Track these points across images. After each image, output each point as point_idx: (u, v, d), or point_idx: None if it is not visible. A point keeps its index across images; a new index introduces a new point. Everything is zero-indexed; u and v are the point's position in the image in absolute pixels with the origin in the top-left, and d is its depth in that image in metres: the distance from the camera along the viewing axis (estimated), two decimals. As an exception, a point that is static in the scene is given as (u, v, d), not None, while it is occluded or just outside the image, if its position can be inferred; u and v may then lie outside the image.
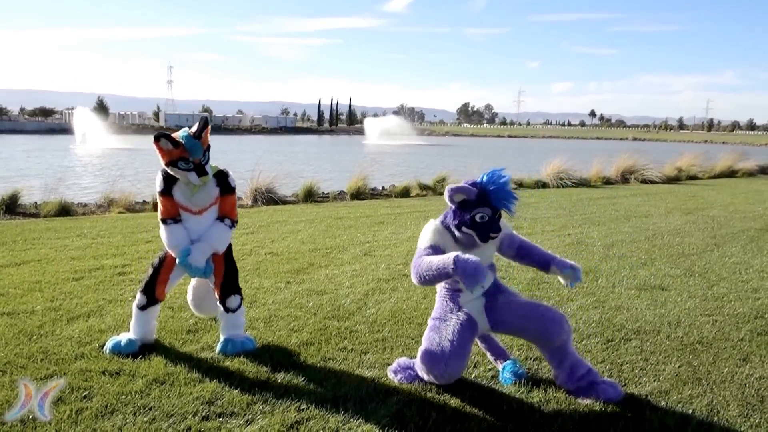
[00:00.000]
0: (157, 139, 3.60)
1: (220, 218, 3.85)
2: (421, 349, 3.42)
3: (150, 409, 3.09)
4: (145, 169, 20.81)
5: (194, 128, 3.73)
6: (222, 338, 3.96)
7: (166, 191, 3.74)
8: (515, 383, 3.47)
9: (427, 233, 3.40)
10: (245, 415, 3.05)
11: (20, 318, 4.48)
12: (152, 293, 3.88)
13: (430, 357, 3.32)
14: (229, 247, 3.97)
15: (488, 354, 3.77)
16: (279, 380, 3.47)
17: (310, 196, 12.71)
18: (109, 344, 3.87)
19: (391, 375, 3.55)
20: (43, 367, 3.57)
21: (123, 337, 3.89)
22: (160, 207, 3.81)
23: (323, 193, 13.51)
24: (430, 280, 3.21)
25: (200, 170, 3.64)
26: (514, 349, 3.96)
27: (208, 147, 3.77)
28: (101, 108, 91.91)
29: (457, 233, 3.33)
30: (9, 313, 4.60)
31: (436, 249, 3.33)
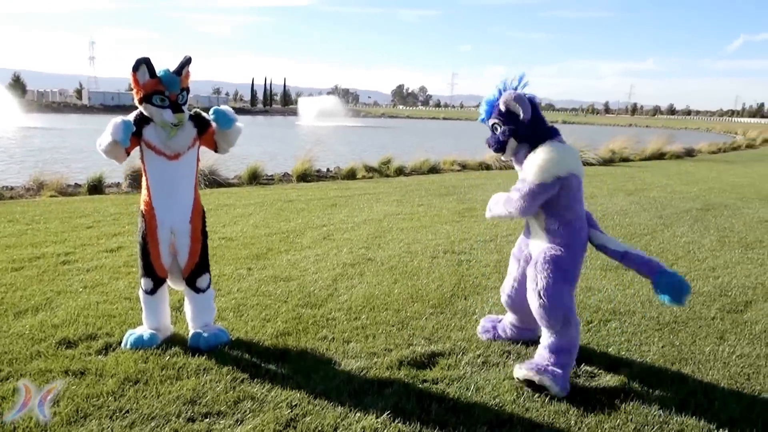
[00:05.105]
0: (135, 68, 3.33)
1: None
2: None
3: (127, 412, 2.81)
4: (67, 149, 19.66)
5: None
6: (192, 330, 3.69)
7: (136, 132, 3.41)
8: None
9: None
10: (234, 414, 2.83)
11: (-42, 314, 4.05)
12: (153, 272, 3.59)
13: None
14: (204, 223, 3.71)
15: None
16: (263, 374, 3.25)
17: (255, 178, 12.31)
18: (129, 339, 3.56)
19: (480, 334, 3.90)
20: (-4, 369, 3.22)
21: (144, 331, 3.61)
22: None
23: (268, 175, 13.12)
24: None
25: (176, 107, 3.37)
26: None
27: (188, 89, 3.51)
28: (17, 84, 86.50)
29: None
30: (-56, 308, 4.15)
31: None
